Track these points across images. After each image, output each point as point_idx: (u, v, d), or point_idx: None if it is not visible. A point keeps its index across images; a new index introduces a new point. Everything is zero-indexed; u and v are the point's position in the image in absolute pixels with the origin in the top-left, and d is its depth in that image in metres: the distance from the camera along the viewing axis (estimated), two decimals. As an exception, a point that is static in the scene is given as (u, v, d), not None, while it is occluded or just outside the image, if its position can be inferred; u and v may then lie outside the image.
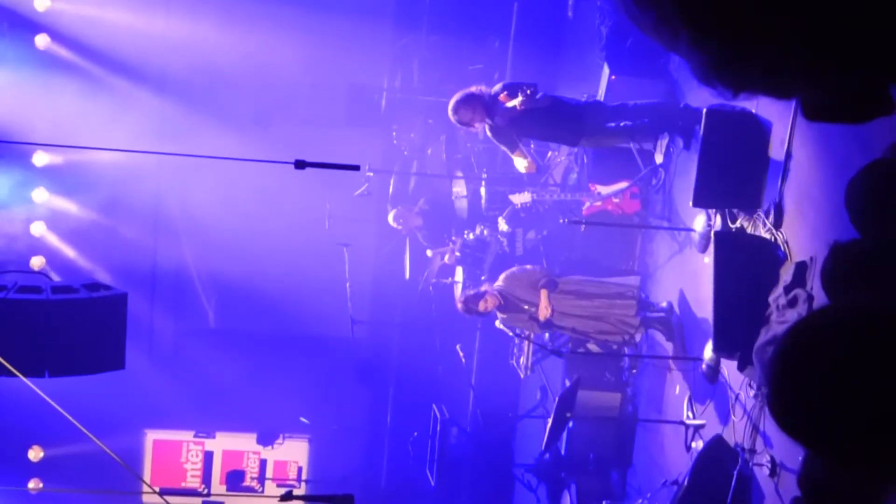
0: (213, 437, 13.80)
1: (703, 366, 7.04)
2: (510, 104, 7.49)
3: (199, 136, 11.56)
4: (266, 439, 13.68)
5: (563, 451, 8.99)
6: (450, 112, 7.80)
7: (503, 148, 8.22)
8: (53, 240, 12.49)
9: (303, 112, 13.01)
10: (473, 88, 7.74)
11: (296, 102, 12.98)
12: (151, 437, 13.66)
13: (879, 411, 1.28)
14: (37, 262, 12.15)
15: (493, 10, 11.75)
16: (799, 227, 6.04)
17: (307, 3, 12.39)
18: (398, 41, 12.97)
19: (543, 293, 7.78)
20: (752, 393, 6.34)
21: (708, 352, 6.94)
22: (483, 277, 9.68)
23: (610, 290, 8.00)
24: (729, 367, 6.65)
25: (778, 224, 6.21)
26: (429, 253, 10.80)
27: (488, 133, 8.01)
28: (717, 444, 6.59)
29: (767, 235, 6.27)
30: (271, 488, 13.75)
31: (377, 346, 13.41)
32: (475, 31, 11.88)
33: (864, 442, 1.31)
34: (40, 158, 12.04)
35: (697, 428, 7.28)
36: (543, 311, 7.77)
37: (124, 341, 6.45)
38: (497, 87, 7.79)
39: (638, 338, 8.02)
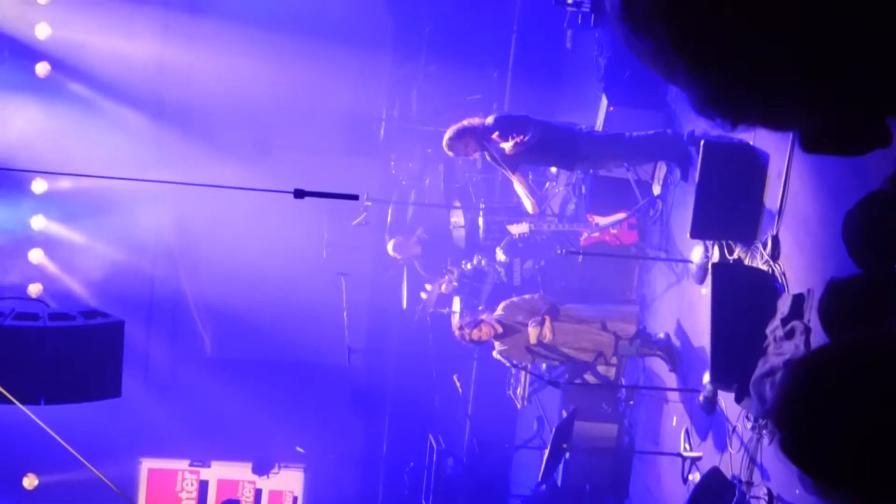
0: (209, 467, 13.69)
1: (701, 397, 7.01)
2: (502, 146, 7.58)
3: (198, 164, 11.56)
4: (261, 468, 13.57)
5: (559, 483, 8.93)
6: (444, 146, 7.90)
7: (503, 170, 8.29)
8: (51, 267, 12.47)
9: (302, 140, 13.04)
10: (465, 122, 7.80)
11: (295, 131, 13.00)
12: (146, 465, 13.56)
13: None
14: (34, 289, 12.13)
15: (491, 40, 11.82)
16: (796, 258, 6.04)
17: (306, 32, 12.44)
18: (397, 70, 13.02)
19: (546, 320, 7.77)
20: (749, 425, 6.31)
21: (705, 383, 6.92)
22: (480, 307, 9.66)
23: (610, 313, 8.03)
24: (726, 399, 6.62)
25: (775, 255, 6.21)
26: (423, 295, 10.80)
27: (487, 157, 8.09)
28: (713, 476, 6.55)
29: (765, 267, 6.27)
30: (266, 518, 13.65)
31: (373, 375, 13.35)
32: (474, 62, 11.93)
33: (886, 478, 1.30)
34: (39, 186, 12.05)
35: (694, 460, 7.24)
36: (545, 333, 7.75)
37: (121, 369, 6.41)
38: (490, 118, 7.83)
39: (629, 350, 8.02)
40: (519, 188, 8.15)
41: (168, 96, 12.57)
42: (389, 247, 10.81)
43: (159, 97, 12.57)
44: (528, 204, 8.20)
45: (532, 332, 7.76)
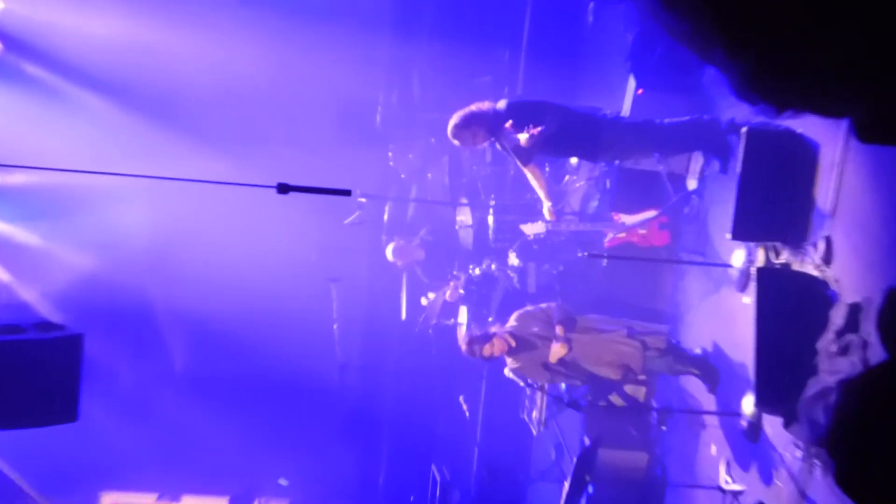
0: (179, 501, 13.70)
1: (743, 422, 7.00)
2: (518, 136, 7.58)
3: (170, 157, 11.60)
4: (240, 503, 13.58)
5: (581, 520, 8.93)
6: (449, 135, 7.91)
7: (515, 162, 8.29)
8: (0, 273, 12.50)
9: (288, 130, 13.07)
10: (473, 108, 7.80)
11: (280, 120, 13.04)
12: (108, 500, 13.57)
13: None
14: (-21, 297, 12.17)
15: (502, 15, 11.83)
16: (852, 262, 6.02)
17: (294, 8, 12.47)
18: (396, 51, 13.04)
19: (559, 331, 7.76)
20: (798, 453, 6.29)
21: (748, 406, 6.90)
22: (490, 318, 9.65)
23: (635, 328, 8.01)
24: (772, 424, 6.60)
25: (828, 259, 6.19)
26: (423, 302, 10.80)
27: (497, 146, 8.09)
28: (758, 512, 6.54)
29: (816, 272, 6.25)
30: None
31: (368, 396, 13.37)
32: (482, 40, 11.95)
33: None
34: (-12, 180, 12.10)
35: (736, 494, 7.22)
36: (556, 351, 7.74)
37: (78, 389, 6.41)
38: (502, 104, 7.83)
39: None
40: (535, 184, 8.15)
41: (138, 80, 12.60)
42: (388, 251, 10.82)
43: (128, 81, 12.59)
44: (546, 211, 8.20)
45: (555, 351, 7.75)
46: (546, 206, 8.23)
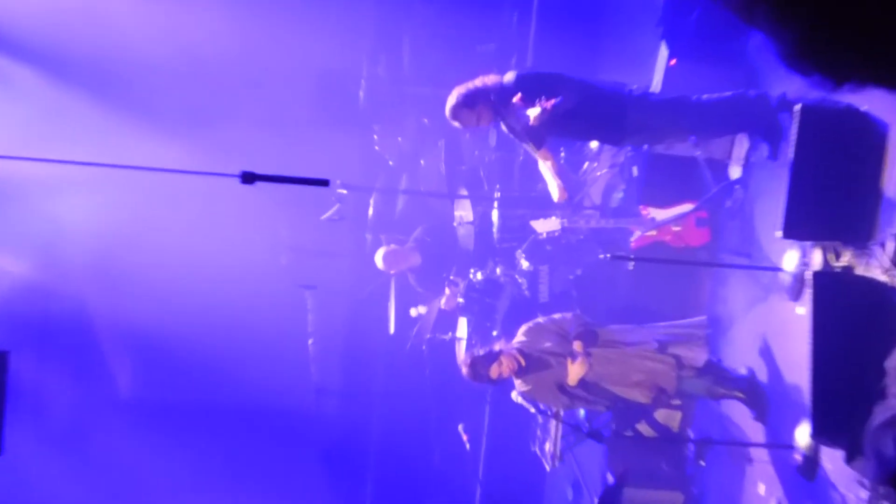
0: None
1: (797, 456, 7.00)
2: (528, 112, 7.56)
3: (114, 140, 11.60)
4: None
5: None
6: (448, 115, 7.91)
7: (525, 146, 8.28)
8: None
9: (254, 109, 13.06)
10: (477, 82, 7.80)
11: (245, 96, 13.04)
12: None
13: None
14: None
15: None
16: (927, 266, 6.02)
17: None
18: (383, 12, 13.05)
19: (577, 346, 7.75)
20: (863, 494, 6.28)
21: (803, 437, 6.90)
22: (495, 332, 9.64)
23: (671, 334, 7.98)
24: (832, 459, 6.60)
25: (898, 262, 6.19)
26: (413, 313, 10.80)
27: (503, 127, 8.09)
28: (815, 564, 6.54)
29: (884, 277, 6.24)
30: None
31: (351, 425, 13.38)
32: (486, 1, 11.97)
33: None
34: None
35: (789, 542, 7.23)
36: (576, 371, 7.72)
37: (2, 417, 6.41)
38: (510, 76, 7.83)
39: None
40: (545, 169, 8.14)
41: (78, 49, 12.56)
42: (378, 258, 10.81)
43: (66, 50, 12.56)
44: (553, 189, 8.16)
45: (574, 371, 7.72)
46: (554, 185, 8.14)
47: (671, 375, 7.81)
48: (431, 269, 10.80)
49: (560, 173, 8.31)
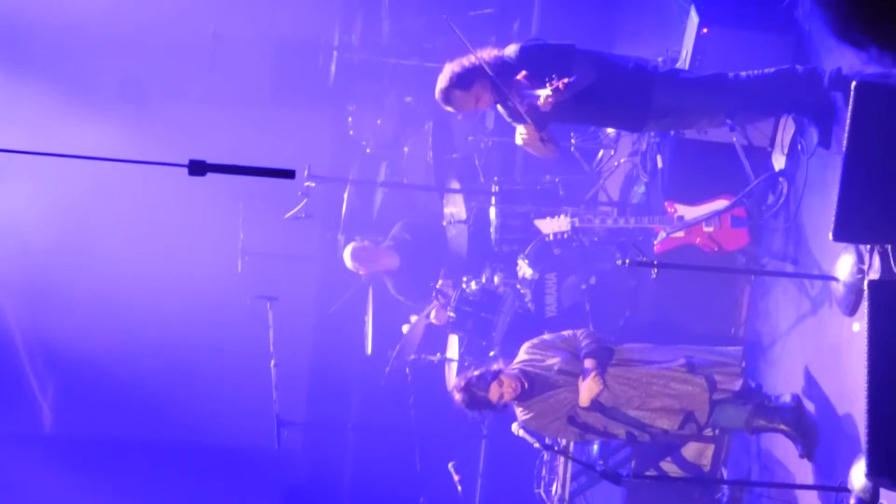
0: None
1: (852, 500, 7.01)
2: (539, 93, 7.50)
3: (39, 123, 11.60)
4: None
5: None
6: (439, 98, 7.91)
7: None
8: None
9: (204, 84, 13.06)
10: (472, 58, 7.76)
11: (196, 70, 13.03)
12: None
13: None
14: None
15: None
16: None
17: None
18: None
19: (589, 363, 7.74)
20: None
21: (858, 477, 6.91)
22: (492, 353, 9.64)
23: (699, 354, 7.96)
24: (892, 501, 6.61)
25: (973, 269, 6.22)
26: (405, 329, 10.79)
27: (500, 110, 8.07)
28: None
29: (955, 287, 6.27)
30: None
31: (320, 465, 13.37)
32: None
33: None
34: None
35: None
36: (589, 388, 7.70)
37: None
38: (512, 48, 7.83)
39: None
40: (525, 140, 7.97)
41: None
42: (346, 255, 10.80)
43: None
44: (537, 147, 7.98)
45: (587, 389, 7.71)
46: (538, 145, 8.00)
47: (703, 398, 7.79)
48: (412, 273, 10.77)
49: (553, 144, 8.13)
